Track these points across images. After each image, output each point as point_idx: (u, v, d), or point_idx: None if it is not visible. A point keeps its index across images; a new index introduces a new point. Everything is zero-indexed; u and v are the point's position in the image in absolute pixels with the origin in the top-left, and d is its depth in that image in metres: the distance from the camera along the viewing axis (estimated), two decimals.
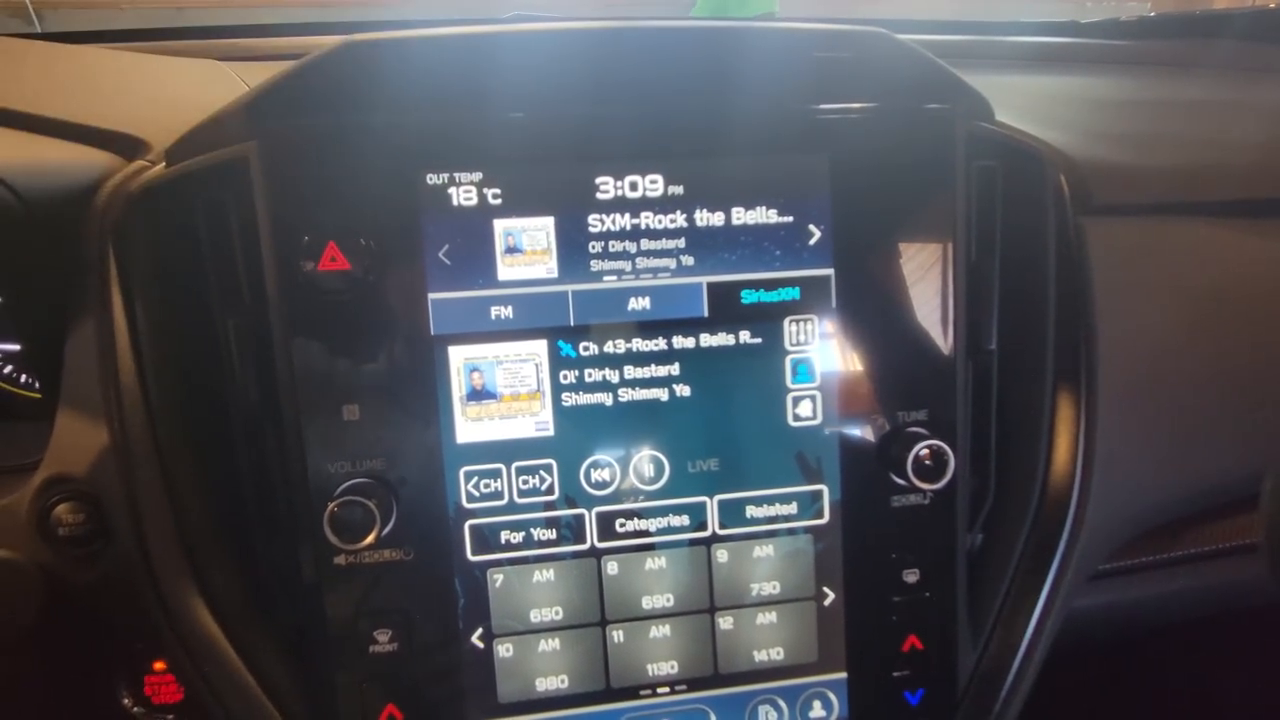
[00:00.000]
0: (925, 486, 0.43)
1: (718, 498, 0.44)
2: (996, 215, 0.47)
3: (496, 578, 0.43)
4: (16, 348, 0.55)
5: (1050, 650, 0.47)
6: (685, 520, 0.44)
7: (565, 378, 0.42)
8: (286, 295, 0.39)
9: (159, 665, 0.47)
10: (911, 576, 0.45)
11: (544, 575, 0.43)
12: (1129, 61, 0.93)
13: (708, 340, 0.43)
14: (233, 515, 0.42)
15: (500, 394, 0.42)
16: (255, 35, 0.79)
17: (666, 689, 0.45)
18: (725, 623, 0.45)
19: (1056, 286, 0.47)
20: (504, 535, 0.42)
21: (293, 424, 0.40)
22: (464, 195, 0.40)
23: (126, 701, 0.47)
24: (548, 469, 0.42)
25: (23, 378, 0.56)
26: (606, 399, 0.42)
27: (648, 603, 0.44)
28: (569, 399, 0.42)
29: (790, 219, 0.43)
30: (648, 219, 0.42)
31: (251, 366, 0.41)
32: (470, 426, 0.42)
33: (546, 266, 0.41)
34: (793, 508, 0.44)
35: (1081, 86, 0.80)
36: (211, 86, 0.59)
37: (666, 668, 0.44)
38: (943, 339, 0.44)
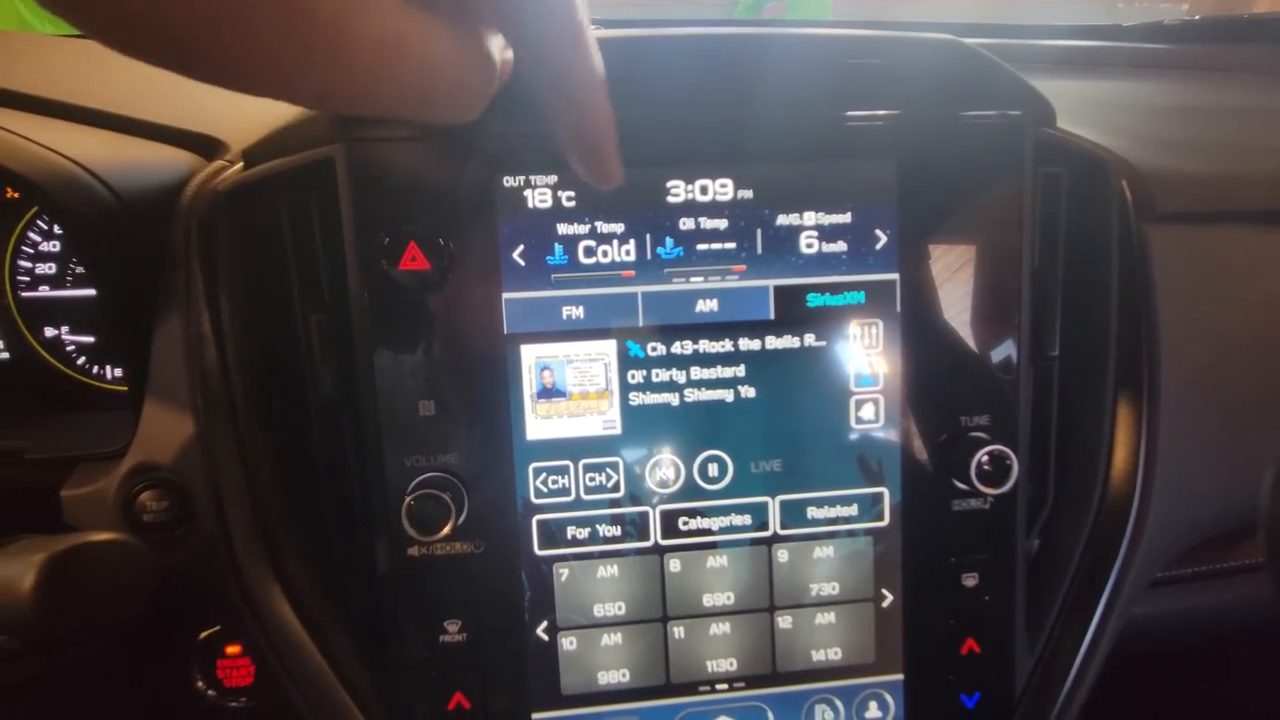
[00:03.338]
0: (987, 491, 0.43)
1: (780, 498, 0.44)
2: (1060, 222, 0.47)
3: (562, 572, 0.44)
4: (91, 339, 0.57)
5: (1107, 656, 0.47)
6: (747, 520, 0.44)
7: (633, 377, 0.43)
8: (367, 294, 0.40)
9: (232, 649, 0.48)
10: (970, 580, 0.45)
11: (608, 571, 0.44)
12: (1172, 66, 0.92)
13: (773, 342, 0.43)
14: (310, 506, 0.44)
15: (570, 392, 0.42)
16: None
17: (725, 685, 0.45)
18: (784, 622, 0.45)
19: (1119, 294, 0.47)
20: (570, 531, 0.43)
21: (370, 418, 0.41)
22: (539, 198, 0.41)
23: (200, 684, 0.48)
24: (614, 467, 0.43)
25: (95, 369, 0.58)
26: (673, 399, 0.43)
27: (708, 600, 0.45)
28: (636, 398, 0.43)
29: (857, 223, 0.43)
30: (717, 222, 0.42)
31: (331, 362, 0.43)
32: (540, 424, 0.42)
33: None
34: (853, 509, 0.45)
35: (1129, 91, 0.80)
36: None
37: (725, 664, 0.45)
38: (1006, 344, 0.45)
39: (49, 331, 0.57)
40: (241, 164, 0.45)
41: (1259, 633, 0.56)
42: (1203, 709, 0.72)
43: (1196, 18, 1.15)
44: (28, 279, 0.57)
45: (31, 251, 0.57)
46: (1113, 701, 0.53)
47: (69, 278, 0.57)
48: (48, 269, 0.57)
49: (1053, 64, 0.92)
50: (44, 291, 0.57)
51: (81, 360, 0.58)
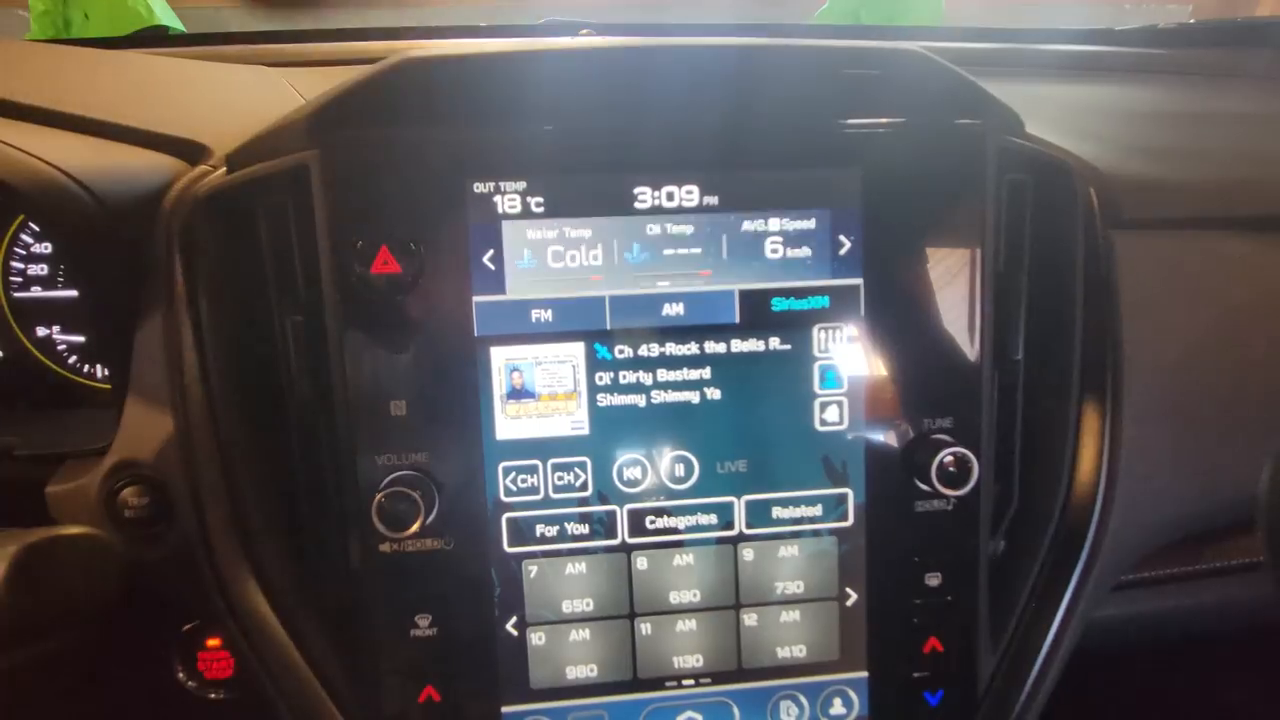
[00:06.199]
0: (949, 493, 0.44)
1: (745, 498, 0.45)
2: (1026, 227, 0.48)
3: (531, 569, 0.45)
4: (82, 339, 0.58)
5: (1070, 657, 0.47)
6: (713, 519, 0.45)
7: (601, 379, 0.44)
8: (341, 296, 0.42)
9: (212, 642, 0.50)
10: (933, 580, 0.46)
11: (576, 568, 0.45)
12: (1167, 71, 0.92)
13: (738, 346, 0.44)
14: (285, 502, 0.45)
15: (539, 393, 0.43)
16: (297, 41, 0.82)
17: (691, 681, 0.46)
18: (750, 619, 0.46)
19: (1084, 298, 0.48)
20: (539, 529, 0.44)
21: (344, 418, 0.42)
22: (508, 203, 0.42)
23: (181, 676, 0.50)
24: (582, 466, 0.44)
25: (86, 368, 0.59)
26: (640, 400, 0.44)
27: (675, 598, 0.45)
28: (604, 399, 0.44)
29: (822, 229, 0.44)
30: (683, 228, 0.43)
31: (306, 362, 0.44)
32: (509, 424, 0.43)
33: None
34: (818, 510, 0.46)
35: (1116, 97, 0.80)
36: (265, 93, 0.62)
37: (692, 661, 0.46)
38: (969, 348, 0.45)
39: (40, 331, 0.58)
40: (224, 169, 0.46)
41: (1228, 635, 0.57)
42: (1172, 708, 0.73)
43: (1191, 22, 1.15)
44: (20, 279, 0.58)
45: (24, 253, 0.58)
46: (1079, 701, 0.53)
47: (60, 278, 0.58)
48: (40, 270, 0.58)
49: (1048, 69, 0.92)
50: (36, 292, 0.58)
51: (73, 360, 0.59)
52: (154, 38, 0.84)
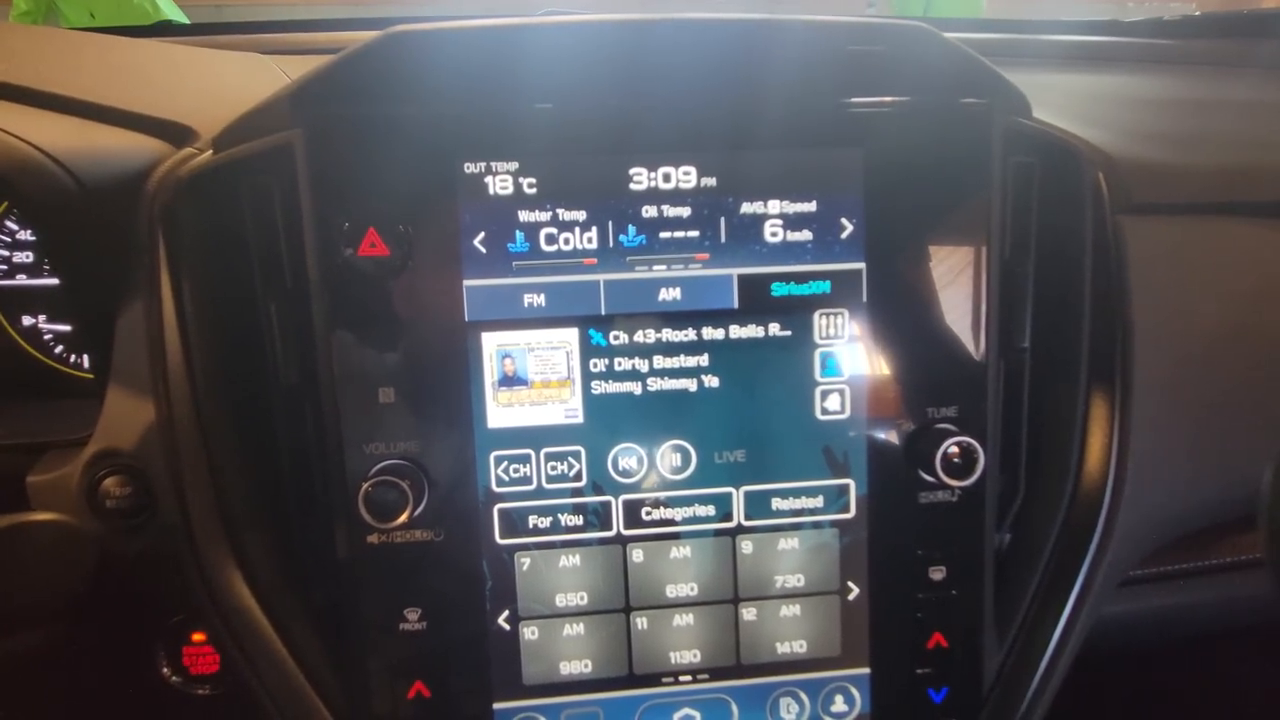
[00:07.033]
0: (954, 484, 0.43)
1: (744, 489, 0.44)
2: (1032, 212, 0.46)
3: (524, 561, 0.43)
4: (68, 328, 0.57)
5: (1078, 653, 0.46)
6: (711, 510, 0.44)
7: (595, 366, 0.42)
8: (326, 279, 0.40)
9: (197, 637, 0.48)
10: (938, 574, 0.45)
11: (570, 560, 0.44)
12: (1173, 61, 0.91)
13: (737, 332, 0.43)
14: (271, 492, 0.44)
15: (531, 380, 0.42)
16: (296, 30, 0.81)
17: (689, 677, 0.45)
18: (748, 614, 0.45)
19: (1093, 285, 0.46)
20: (532, 520, 0.43)
21: (330, 405, 0.41)
22: (500, 184, 0.41)
23: (165, 671, 0.48)
24: (576, 456, 0.43)
25: (72, 357, 0.58)
26: (635, 388, 0.43)
27: (672, 591, 0.44)
28: (599, 387, 0.43)
29: (823, 212, 0.43)
30: (680, 210, 0.42)
31: (292, 348, 0.43)
32: (501, 412, 0.42)
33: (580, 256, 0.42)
34: (819, 501, 0.44)
35: (1123, 85, 0.79)
36: (256, 78, 0.61)
37: (689, 656, 0.45)
38: (974, 336, 0.44)
39: (26, 320, 0.57)
40: (211, 152, 0.45)
41: (1236, 631, 0.55)
42: (1178, 706, 0.71)
43: (1198, 13, 1.13)
44: (5, 267, 0.57)
45: (9, 240, 0.57)
46: (1085, 697, 0.52)
47: (47, 266, 0.57)
48: (25, 257, 0.57)
49: (1055, 59, 0.91)
50: (21, 280, 0.57)
51: (59, 349, 0.58)
52: (150, 29, 0.83)
